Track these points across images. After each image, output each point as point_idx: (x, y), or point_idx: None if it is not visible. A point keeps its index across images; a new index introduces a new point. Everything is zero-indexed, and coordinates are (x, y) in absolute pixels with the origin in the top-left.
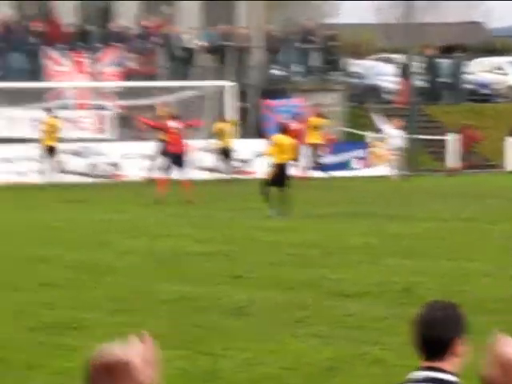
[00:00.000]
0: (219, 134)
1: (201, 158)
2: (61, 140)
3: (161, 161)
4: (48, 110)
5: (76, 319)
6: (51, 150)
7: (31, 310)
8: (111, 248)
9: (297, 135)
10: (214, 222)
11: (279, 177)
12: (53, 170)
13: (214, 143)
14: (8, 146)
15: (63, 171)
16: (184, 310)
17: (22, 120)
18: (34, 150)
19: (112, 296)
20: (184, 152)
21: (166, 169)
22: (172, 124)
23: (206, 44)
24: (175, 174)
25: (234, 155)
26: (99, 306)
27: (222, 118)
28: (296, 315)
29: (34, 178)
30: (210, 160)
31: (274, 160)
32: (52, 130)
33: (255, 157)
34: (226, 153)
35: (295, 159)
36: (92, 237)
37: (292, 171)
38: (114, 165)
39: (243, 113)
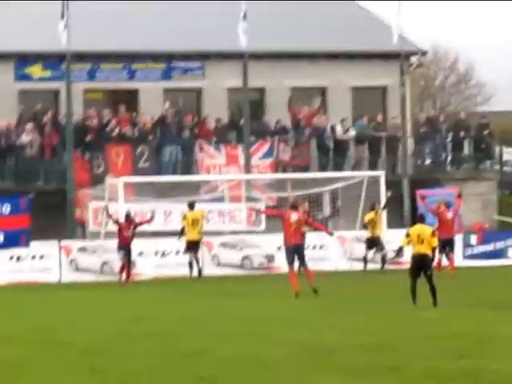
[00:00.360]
0: (370, 224)
1: (353, 249)
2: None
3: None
4: (190, 204)
5: None
6: (193, 244)
7: None
8: (267, 340)
9: (449, 224)
10: (370, 312)
11: (418, 267)
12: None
13: (365, 233)
14: (163, 240)
15: (218, 264)
16: None
17: (177, 213)
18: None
19: None
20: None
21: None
22: (293, 216)
23: (357, 134)
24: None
25: (385, 245)
26: None
27: (372, 208)
28: None
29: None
30: (363, 250)
31: (412, 251)
32: (194, 224)
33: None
34: (375, 243)
35: (434, 249)
36: (248, 329)
37: (436, 261)
38: (269, 257)
39: (396, 202)
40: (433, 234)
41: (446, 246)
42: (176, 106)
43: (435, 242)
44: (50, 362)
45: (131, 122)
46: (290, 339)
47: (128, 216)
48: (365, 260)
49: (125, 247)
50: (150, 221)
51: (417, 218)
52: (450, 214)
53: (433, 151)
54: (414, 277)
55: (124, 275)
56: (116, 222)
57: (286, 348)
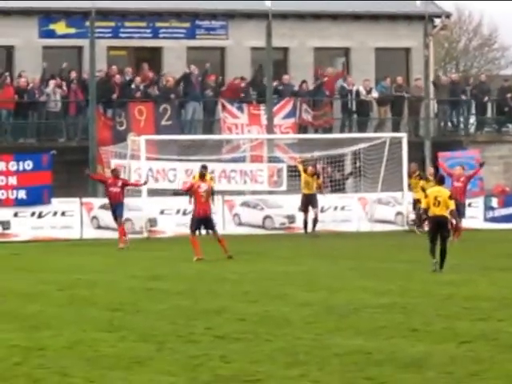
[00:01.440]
0: (412, 187)
1: (378, 211)
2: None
3: None
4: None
5: (250, 372)
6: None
7: (206, 363)
8: (287, 300)
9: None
10: (391, 274)
11: (435, 229)
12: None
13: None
14: (185, 199)
15: (239, 223)
16: (358, 363)
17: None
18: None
19: (287, 349)
20: None
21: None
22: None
23: (380, 95)
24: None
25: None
26: (274, 360)
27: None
28: (472, 369)
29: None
30: (386, 213)
31: (430, 212)
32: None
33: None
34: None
35: (451, 212)
36: (268, 289)
37: (454, 222)
38: (290, 217)
39: (418, 164)
40: (450, 197)
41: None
42: (201, 67)
43: (452, 204)
44: (72, 319)
45: (154, 80)
46: (310, 300)
47: (114, 171)
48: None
49: (113, 204)
50: (141, 185)
51: (436, 180)
52: (459, 181)
53: (457, 114)
54: (432, 239)
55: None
56: (101, 180)
57: (307, 308)
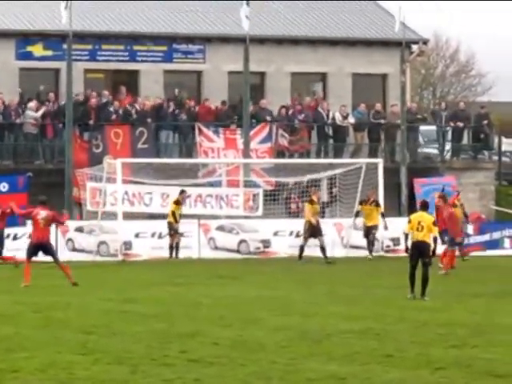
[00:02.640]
0: (364, 214)
1: (353, 236)
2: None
3: None
4: (182, 191)
5: None
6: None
7: None
8: (262, 325)
9: (444, 213)
10: (365, 299)
11: (417, 254)
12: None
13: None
14: (160, 222)
15: (215, 248)
16: None
17: (173, 196)
18: (184, 226)
19: (260, 373)
20: None
21: None
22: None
23: (357, 121)
24: None
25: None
26: None
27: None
28: None
29: (185, 253)
30: (361, 238)
31: (412, 238)
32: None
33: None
34: (370, 231)
35: (435, 237)
36: (242, 313)
37: (434, 248)
38: (265, 241)
39: (394, 190)
40: (434, 223)
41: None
42: (175, 94)
43: (435, 230)
44: (47, 341)
45: (131, 103)
46: (284, 325)
47: None
48: (362, 247)
49: None
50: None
51: (420, 205)
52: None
53: (432, 140)
54: (412, 264)
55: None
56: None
57: (281, 333)
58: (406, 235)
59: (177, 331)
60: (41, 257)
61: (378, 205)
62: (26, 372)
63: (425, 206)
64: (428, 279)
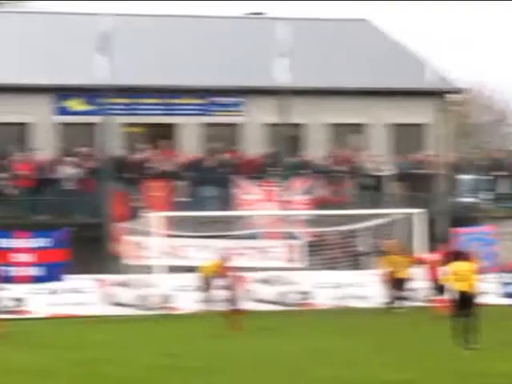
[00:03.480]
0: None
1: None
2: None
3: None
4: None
5: None
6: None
7: None
8: (305, 377)
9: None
10: (408, 350)
11: (461, 306)
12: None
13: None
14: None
15: (253, 299)
16: None
17: (213, 249)
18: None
19: None
20: None
21: None
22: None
23: (394, 171)
24: None
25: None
26: None
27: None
28: None
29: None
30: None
31: (453, 288)
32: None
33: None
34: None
35: (475, 286)
36: (285, 366)
37: (478, 299)
38: (305, 293)
39: (433, 240)
40: (475, 272)
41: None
42: (216, 143)
43: (476, 279)
44: None
45: (170, 157)
46: (325, 375)
47: None
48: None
49: None
50: None
51: (458, 255)
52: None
53: (471, 190)
54: (456, 315)
55: None
56: None
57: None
58: (441, 286)
59: None
60: (80, 311)
61: (407, 255)
62: None
63: (465, 256)
64: (478, 328)
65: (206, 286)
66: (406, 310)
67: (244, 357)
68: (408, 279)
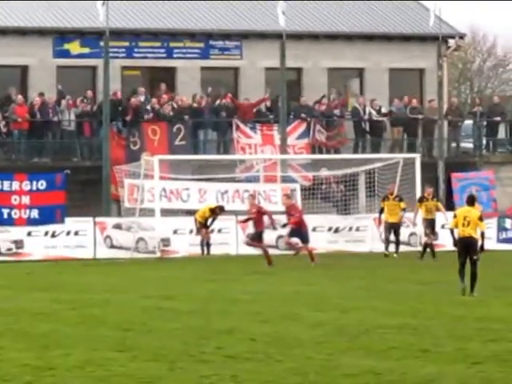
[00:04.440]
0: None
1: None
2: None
3: None
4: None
5: None
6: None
7: (217, 383)
8: (299, 321)
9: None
10: (403, 294)
11: (464, 251)
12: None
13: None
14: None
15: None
16: None
17: (211, 192)
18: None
19: (297, 369)
20: None
21: None
22: None
23: (393, 116)
24: None
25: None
26: (284, 380)
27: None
28: None
29: (223, 250)
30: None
31: (458, 233)
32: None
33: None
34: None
35: (483, 232)
36: (279, 309)
37: (482, 244)
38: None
39: (431, 185)
40: (481, 218)
41: None
42: (215, 88)
43: (483, 225)
44: (83, 338)
45: (168, 100)
46: (321, 320)
47: None
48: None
49: None
50: None
51: (467, 200)
52: None
53: (470, 135)
54: (460, 261)
55: None
56: None
57: (318, 328)
58: (452, 230)
59: (213, 328)
60: (79, 254)
61: (400, 200)
62: (63, 369)
63: (472, 201)
64: (476, 276)
65: (203, 229)
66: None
67: (240, 300)
68: (400, 224)
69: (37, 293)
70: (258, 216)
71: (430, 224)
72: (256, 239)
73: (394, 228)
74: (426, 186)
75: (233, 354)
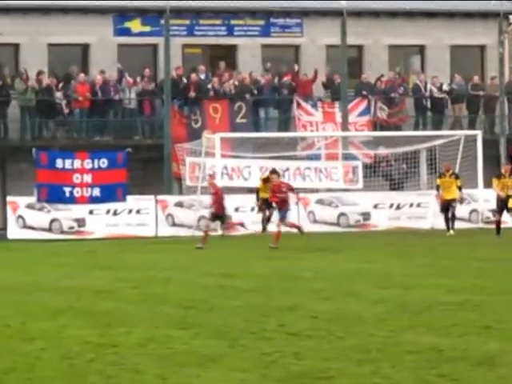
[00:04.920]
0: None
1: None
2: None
3: None
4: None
5: (322, 369)
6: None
7: (279, 360)
8: (361, 298)
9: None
10: (465, 271)
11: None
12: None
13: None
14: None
15: (314, 221)
16: (430, 360)
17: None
18: None
19: (359, 346)
20: None
21: None
22: None
23: (455, 93)
24: None
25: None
26: (346, 357)
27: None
28: None
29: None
30: (461, 210)
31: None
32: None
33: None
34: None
35: None
36: (341, 286)
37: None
38: (364, 214)
39: (494, 162)
40: None
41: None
42: (275, 65)
43: None
44: (145, 316)
45: (229, 78)
46: (383, 297)
47: None
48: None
49: None
50: None
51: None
52: None
53: None
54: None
55: None
56: None
57: (380, 305)
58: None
59: (275, 305)
60: (141, 232)
61: (456, 177)
62: (126, 347)
63: None
64: None
65: (264, 206)
66: (452, 234)
67: (302, 277)
68: (455, 201)
69: (99, 271)
70: (216, 197)
71: (504, 201)
72: (212, 220)
73: (449, 205)
74: (505, 163)
75: (294, 332)
